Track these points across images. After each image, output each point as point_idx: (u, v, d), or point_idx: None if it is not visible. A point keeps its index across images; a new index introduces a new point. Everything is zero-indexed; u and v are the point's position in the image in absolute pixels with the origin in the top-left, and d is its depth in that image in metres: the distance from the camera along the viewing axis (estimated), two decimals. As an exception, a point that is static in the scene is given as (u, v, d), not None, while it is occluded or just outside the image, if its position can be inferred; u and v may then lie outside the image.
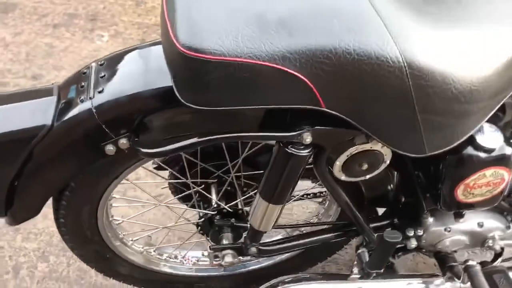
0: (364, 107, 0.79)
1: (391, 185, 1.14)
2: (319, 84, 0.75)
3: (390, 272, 1.22)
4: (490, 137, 0.95)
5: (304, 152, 0.87)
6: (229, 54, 0.71)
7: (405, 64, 0.75)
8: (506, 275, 1.16)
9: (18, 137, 0.85)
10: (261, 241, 1.12)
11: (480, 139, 0.94)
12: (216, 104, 0.76)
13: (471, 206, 1.06)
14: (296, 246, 1.17)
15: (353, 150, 0.90)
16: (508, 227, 1.18)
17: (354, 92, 0.77)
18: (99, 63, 0.90)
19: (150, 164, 1.11)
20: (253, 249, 1.09)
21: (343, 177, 0.96)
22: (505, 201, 1.17)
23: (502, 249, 1.29)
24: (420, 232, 1.15)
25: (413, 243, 1.16)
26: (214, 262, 1.12)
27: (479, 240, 1.18)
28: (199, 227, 1.17)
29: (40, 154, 0.87)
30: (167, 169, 1.15)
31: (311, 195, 1.32)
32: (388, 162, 0.95)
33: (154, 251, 1.31)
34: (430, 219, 1.15)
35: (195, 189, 1.15)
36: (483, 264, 1.23)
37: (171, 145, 0.83)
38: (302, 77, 0.74)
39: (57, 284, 1.48)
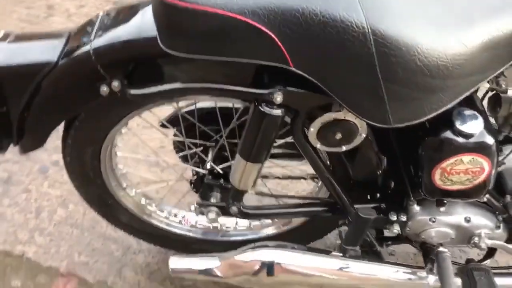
0: (330, 70, 0.82)
1: (380, 170, 1.15)
2: (287, 42, 0.79)
3: (375, 258, 1.24)
4: (470, 123, 0.95)
5: (276, 112, 0.91)
6: (203, 3, 0.77)
7: (370, 30, 0.78)
8: (487, 275, 1.14)
9: (27, 70, 0.96)
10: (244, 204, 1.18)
11: (458, 123, 0.94)
12: (190, 51, 0.82)
13: (452, 194, 1.06)
14: (276, 214, 1.21)
15: (326, 117, 0.94)
16: (498, 227, 1.15)
17: (320, 54, 0.80)
18: (106, 13, 1.00)
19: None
20: (234, 209, 1.15)
21: (318, 145, 0.99)
22: (499, 201, 1.15)
23: (494, 250, 1.26)
24: (403, 218, 1.15)
25: (395, 229, 1.17)
26: (200, 217, 1.18)
27: (465, 236, 1.16)
28: (192, 185, 1.24)
29: (46, 88, 0.98)
30: (169, 127, 1.23)
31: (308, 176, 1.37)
32: (364, 135, 0.97)
33: (156, 206, 1.39)
34: (416, 208, 1.15)
35: (192, 149, 1.22)
36: (468, 260, 1.21)
37: (152, 89, 0.91)
38: (270, 33, 0.79)
39: (71, 229, 1.60)
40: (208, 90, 0.92)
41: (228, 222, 1.47)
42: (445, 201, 1.10)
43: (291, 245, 1.20)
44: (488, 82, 0.96)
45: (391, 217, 1.15)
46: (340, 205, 1.13)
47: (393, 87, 0.82)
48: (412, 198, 1.14)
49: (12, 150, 1.38)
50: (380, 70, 0.80)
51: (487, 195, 1.12)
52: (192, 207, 1.19)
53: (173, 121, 1.23)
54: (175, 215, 1.43)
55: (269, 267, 1.15)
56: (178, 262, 1.19)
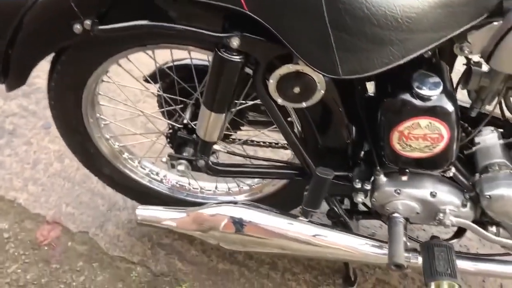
0: (282, 17, 0.84)
1: (348, 139, 1.15)
2: (240, -16, 0.82)
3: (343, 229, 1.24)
4: (428, 86, 0.94)
5: (235, 58, 0.94)
6: None
7: (318, -25, 0.79)
8: (448, 252, 1.12)
9: (10, 5, 1.02)
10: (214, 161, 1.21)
11: (416, 85, 0.94)
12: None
13: (414, 163, 1.05)
14: (245, 172, 1.23)
15: (284, 69, 0.95)
16: (464, 205, 1.13)
17: (272, -1, 0.83)
18: None
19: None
20: (202, 162, 1.18)
21: (280, 101, 1.01)
22: (468, 179, 1.14)
23: (462, 231, 1.24)
24: (367, 186, 1.15)
25: (360, 197, 1.17)
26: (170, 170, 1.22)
27: (430, 211, 1.15)
28: (168, 139, 1.28)
29: (27, 24, 1.03)
30: (151, 83, 1.27)
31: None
32: (323, 91, 0.98)
33: (138, 162, 1.44)
34: (383, 178, 1.15)
35: (171, 105, 1.26)
36: (433, 237, 1.19)
37: (117, 25, 0.95)
38: (225, -26, 0.82)
39: (63, 182, 1.67)
40: (172, 32, 0.95)
41: (208, 186, 1.50)
42: (407, 170, 1.09)
43: (259, 206, 1.22)
44: (454, 49, 0.95)
45: (355, 185, 1.15)
46: (301, 163, 1.14)
47: (341, 36, 0.83)
48: (378, 168, 1.14)
49: (21, 104, 1.48)
50: (328, 17, 0.81)
51: (454, 171, 1.11)
52: (164, 159, 1.22)
53: (156, 77, 1.28)
54: (157, 174, 1.47)
55: (232, 223, 1.17)
56: (145, 212, 1.23)
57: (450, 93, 0.95)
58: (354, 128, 1.16)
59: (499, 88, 1.01)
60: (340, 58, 0.85)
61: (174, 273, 1.46)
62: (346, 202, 1.37)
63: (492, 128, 1.17)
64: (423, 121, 0.96)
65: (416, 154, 1.02)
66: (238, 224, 1.16)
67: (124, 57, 1.13)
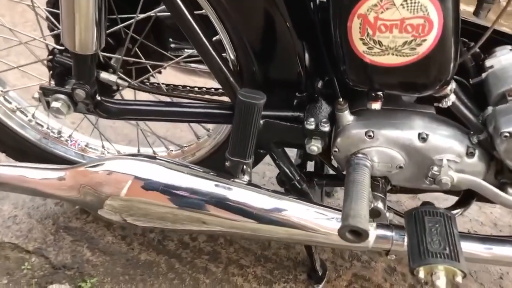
0: None
1: (300, 65, 0.78)
2: None
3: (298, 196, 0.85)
4: None
5: None
6: None
7: None
8: (447, 224, 0.74)
9: None
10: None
11: None
12: None
13: (389, 78, 0.68)
14: (152, 113, 0.85)
15: None
16: (471, 154, 0.75)
17: None
18: None
19: None
20: (81, 93, 0.80)
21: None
22: (475, 114, 0.75)
23: (470, 196, 0.85)
24: (324, 127, 0.77)
25: (314, 145, 0.79)
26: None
27: (419, 163, 0.77)
28: (50, 69, 0.91)
29: None
30: None
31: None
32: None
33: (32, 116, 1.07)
34: (348, 116, 0.77)
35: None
36: (425, 204, 0.81)
37: None
38: None
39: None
40: None
41: (127, 150, 1.14)
42: (379, 94, 0.70)
43: (167, 160, 0.84)
44: None
45: (307, 126, 0.78)
46: (220, 83, 0.77)
47: None
48: (340, 100, 0.76)
49: None
50: None
51: (455, 100, 0.73)
52: (36, 94, 0.85)
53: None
54: (59, 133, 1.11)
55: (143, 184, 0.80)
56: (4, 169, 0.85)
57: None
58: (307, 51, 0.79)
59: None
60: None
61: (79, 265, 1.08)
62: (310, 166, 1.00)
63: (510, 47, 0.80)
64: (398, -6, 0.58)
65: (391, 60, 0.64)
66: (132, 183, 0.79)
67: None
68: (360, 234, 0.61)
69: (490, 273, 1.08)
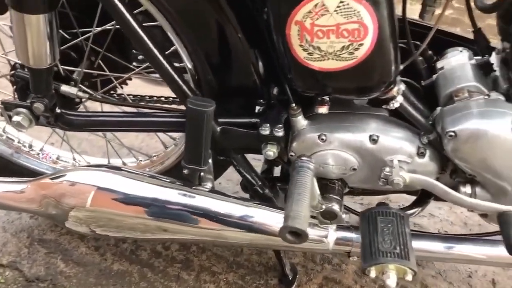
0: None
1: (255, 74, 0.80)
2: None
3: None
4: None
5: None
6: None
7: None
8: (398, 224, 0.75)
9: None
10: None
11: None
12: None
13: (332, 82, 0.69)
14: (112, 124, 0.87)
15: None
16: (421, 154, 0.77)
17: None
18: None
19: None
20: (39, 106, 0.82)
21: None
22: (425, 115, 0.77)
23: (426, 196, 0.86)
24: (278, 133, 0.79)
25: (270, 150, 0.80)
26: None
27: (372, 165, 0.78)
28: (13, 83, 0.92)
29: None
30: None
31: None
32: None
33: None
34: (303, 122, 0.79)
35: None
36: (380, 204, 0.82)
37: None
38: None
39: None
40: None
41: (99, 161, 1.15)
42: (325, 98, 0.72)
43: (130, 170, 0.86)
44: None
45: (262, 131, 0.79)
46: (173, 89, 0.79)
47: None
48: (293, 105, 0.78)
49: None
50: None
51: (402, 101, 0.75)
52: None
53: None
54: (30, 147, 1.12)
55: (106, 194, 0.81)
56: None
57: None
58: (260, 60, 0.81)
59: None
60: None
61: (53, 276, 1.09)
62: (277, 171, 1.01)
63: (461, 48, 0.82)
64: (331, 0, 0.60)
65: (332, 65, 0.66)
66: (95, 194, 0.80)
67: None
68: (299, 233, 0.62)
69: (459, 272, 1.09)
